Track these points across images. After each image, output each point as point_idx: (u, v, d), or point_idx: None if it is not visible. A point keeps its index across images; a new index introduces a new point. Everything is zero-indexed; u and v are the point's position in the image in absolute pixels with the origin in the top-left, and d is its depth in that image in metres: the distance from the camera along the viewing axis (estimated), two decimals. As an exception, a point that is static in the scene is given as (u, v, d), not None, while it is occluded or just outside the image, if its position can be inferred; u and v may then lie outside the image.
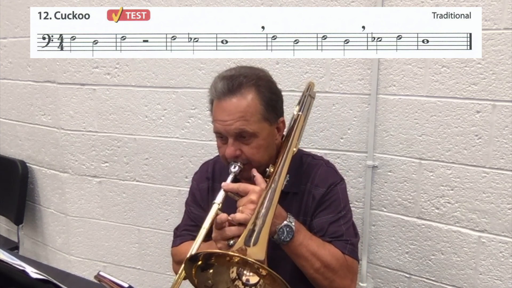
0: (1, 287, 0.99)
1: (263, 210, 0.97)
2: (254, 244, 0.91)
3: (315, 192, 1.22)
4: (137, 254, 2.12)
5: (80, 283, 1.29)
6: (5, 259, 0.94)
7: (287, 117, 1.28)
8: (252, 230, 0.93)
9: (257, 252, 0.89)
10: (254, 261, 0.85)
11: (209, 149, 1.83)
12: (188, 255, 0.92)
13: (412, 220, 1.60)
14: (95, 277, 0.92)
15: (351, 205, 1.31)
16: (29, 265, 0.91)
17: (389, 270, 1.67)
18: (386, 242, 1.66)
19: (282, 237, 1.04)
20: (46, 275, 0.89)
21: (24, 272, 0.89)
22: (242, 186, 1.07)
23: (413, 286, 1.63)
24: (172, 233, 1.41)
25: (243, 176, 1.14)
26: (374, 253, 1.69)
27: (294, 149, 1.17)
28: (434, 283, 1.59)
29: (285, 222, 1.05)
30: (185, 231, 1.34)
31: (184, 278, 1.00)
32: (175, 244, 1.36)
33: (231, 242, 0.98)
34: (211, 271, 0.93)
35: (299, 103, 1.34)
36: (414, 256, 1.61)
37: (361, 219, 1.67)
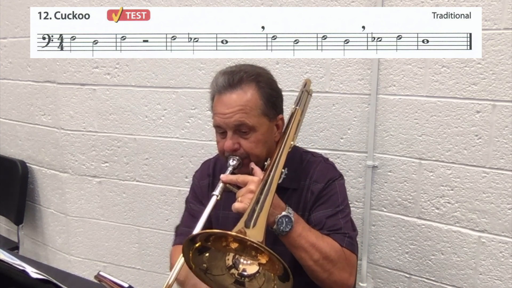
0: (1, 287, 0.99)
1: (261, 197, 0.98)
2: (253, 226, 0.91)
3: (314, 188, 1.23)
4: (137, 254, 2.12)
5: (80, 283, 1.29)
6: (5, 259, 0.94)
7: (287, 117, 1.28)
8: (251, 215, 0.93)
9: (256, 234, 0.89)
10: (253, 240, 0.86)
11: (209, 149, 1.83)
12: (189, 236, 0.92)
13: (412, 220, 1.60)
14: (95, 277, 0.92)
15: (351, 205, 1.31)
16: (29, 265, 0.91)
17: (389, 270, 1.67)
18: (386, 242, 1.66)
19: (282, 228, 1.04)
20: (46, 275, 0.89)
21: (24, 272, 0.89)
22: (241, 177, 1.08)
23: (413, 286, 1.63)
24: (172, 232, 1.41)
25: (241, 172, 1.14)
26: (374, 253, 1.69)
27: (292, 142, 1.18)
28: (434, 283, 1.59)
29: (283, 213, 1.05)
30: (186, 228, 1.34)
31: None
32: (175, 242, 1.36)
33: None
34: (207, 254, 0.93)
35: (296, 101, 1.35)
36: (414, 256, 1.61)
37: (361, 219, 1.67)
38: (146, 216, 2.06)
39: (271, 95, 1.18)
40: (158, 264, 2.08)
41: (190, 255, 0.92)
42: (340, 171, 1.33)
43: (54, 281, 0.89)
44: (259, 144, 1.16)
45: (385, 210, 1.64)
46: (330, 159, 1.35)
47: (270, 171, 1.06)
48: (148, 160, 1.99)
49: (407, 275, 1.64)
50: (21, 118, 2.31)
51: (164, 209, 2.02)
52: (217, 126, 1.18)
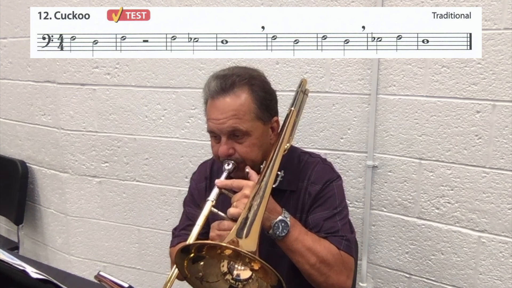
0: (1, 287, 0.99)
1: (255, 204, 0.97)
2: (246, 236, 0.91)
3: (311, 189, 1.22)
4: (137, 254, 2.12)
5: (80, 283, 1.29)
6: (5, 259, 0.94)
7: (283, 117, 1.28)
8: (244, 223, 0.93)
9: (249, 243, 0.89)
10: (245, 252, 0.86)
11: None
12: (180, 247, 0.92)
13: (412, 220, 1.60)
14: (95, 277, 0.92)
15: (351, 205, 1.31)
16: (29, 265, 0.91)
17: (389, 270, 1.67)
18: (386, 242, 1.66)
19: (277, 232, 1.04)
20: (46, 275, 0.89)
21: (24, 272, 0.89)
22: (235, 181, 1.07)
23: (413, 286, 1.63)
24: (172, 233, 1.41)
25: (237, 176, 1.14)
26: (374, 253, 1.69)
27: (287, 144, 1.17)
28: (434, 283, 1.59)
29: (280, 217, 1.05)
30: (182, 231, 1.34)
31: (179, 278, 1.00)
32: (172, 244, 1.37)
33: None
34: (202, 263, 0.94)
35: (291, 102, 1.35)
36: (414, 256, 1.61)
37: (361, 219, 1.67)
38: (146, 216, 2.06)
39: (264, 98, 1.17)
40: (158, 264, 2.08)
41: (185, 264, 0.92)
42: (340, 171, 1.33)
43: (54, 281, 0.89)
44: (254, 148, 1.15)
45: (385, 210, 1.64)
46: (330, 159, 1.35)
47: (264, 175, 1.05)
48: (148, 160, 1.99)
49: (407, 275, 1.64)
50: (21, 118, 2.31)
51: (164, 209, 2.02)
52: (211, 131, 1.18)
